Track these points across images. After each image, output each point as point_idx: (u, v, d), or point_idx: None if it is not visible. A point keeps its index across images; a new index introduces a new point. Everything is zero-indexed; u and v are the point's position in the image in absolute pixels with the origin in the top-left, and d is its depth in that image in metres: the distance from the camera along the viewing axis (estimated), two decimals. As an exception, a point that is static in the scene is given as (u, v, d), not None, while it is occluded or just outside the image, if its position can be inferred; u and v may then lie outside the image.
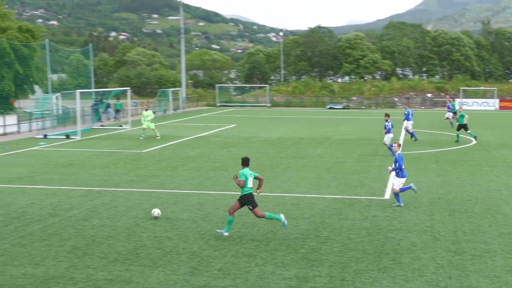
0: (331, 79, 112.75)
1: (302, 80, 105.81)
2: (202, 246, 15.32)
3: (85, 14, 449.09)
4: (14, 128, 47.03)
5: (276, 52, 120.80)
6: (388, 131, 32.71)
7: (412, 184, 20.53)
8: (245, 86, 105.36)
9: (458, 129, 39.19)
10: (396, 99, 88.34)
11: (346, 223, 17.68)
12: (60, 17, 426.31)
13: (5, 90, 49.39)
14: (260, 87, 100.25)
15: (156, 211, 18.30)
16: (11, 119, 47.57)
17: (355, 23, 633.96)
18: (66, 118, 54.21)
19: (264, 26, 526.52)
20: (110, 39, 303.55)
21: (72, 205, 20.15)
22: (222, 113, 71.92)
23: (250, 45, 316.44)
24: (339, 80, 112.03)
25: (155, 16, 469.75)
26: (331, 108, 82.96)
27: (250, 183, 16.15)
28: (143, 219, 18.10)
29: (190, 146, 37.51)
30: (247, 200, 16.18)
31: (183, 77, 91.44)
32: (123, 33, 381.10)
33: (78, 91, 46.31)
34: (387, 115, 33.57)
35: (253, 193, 16.28)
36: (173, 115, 68.11)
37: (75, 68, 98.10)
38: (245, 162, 16.46)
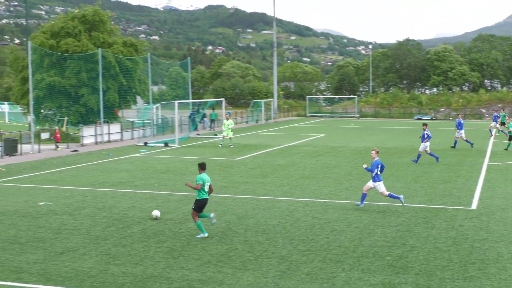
0: (419, 90, 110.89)
1: (390, 91, 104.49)
2: (291, 251, 15.29)
3: (184, 30, 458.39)
4: (118, 136, 48.38)
5: (365, 64, 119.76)
6: (426, 139, 32.89)
7: (401, 196, 20.80)
8: (334, 97, 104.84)
9: (510, 139, 39.54)
10: (484, 111, 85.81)
11: (432, 232, 17.27)
12: (161, 32, 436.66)
13: (110, 101, 50.83)
14: (349, 99, 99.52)
15: (155, 214, 18.87)
16: (115, 127, 48.97)
17: (443, 36, 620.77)
18: (165, 127, 55.37)
19: (353, 39, 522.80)
20: (207, 52, 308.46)
21: (169, 209, 20.52)
22: (312, 123, 71.75)
23: (340, 58, 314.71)
24: (427, 91, 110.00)
25: (249, 30, 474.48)
26: (418, 119, 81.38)
27: (206, 188, 16.64)
28: (235, 224, 18.23)
29: (280, 154, 37.57)
30: (202, 204, 16.59)
31: (275, 88, 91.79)
32: (219, 47, 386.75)
33: (176, 101, 47.22)
34: (425, 124, 33.62)
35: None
36: (264, 125, 68.46)
37: (174, 80, 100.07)
38: (203, 167, 16.92)
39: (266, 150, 39.94)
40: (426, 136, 32.75)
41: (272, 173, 29.20)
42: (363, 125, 67.81)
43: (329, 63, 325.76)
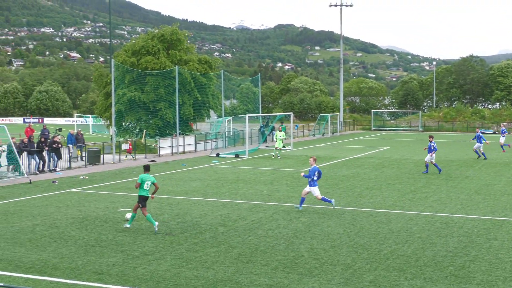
0: (482, 105, 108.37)
1: (454, 106, 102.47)
2: (355, 258, 15.10)
3: (255, 47, 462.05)
4: (192, 148, 48.96)
5: (429, 80, 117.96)
6: (432, 151, 33.28)
7: (333, 200, 22.07)
8: (398, 112, 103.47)
9: None
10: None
11: (494, 243, 16.75)
12: (234, 50, 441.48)
13: (185, 114, 51.45)
14: (413, 113, 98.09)
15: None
16: (190, 139, 49.59)
17: (506, 52, 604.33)
18: (236, 139, 55.75)
19: (418, 56, 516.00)
20: (277, 69, 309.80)
21: (239, 217, 20.60)
22: (376, 137, 70.92)
23: (404, 73, 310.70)
24: (490, 106, 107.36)
25: (317, 48, 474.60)
26: (482, 133, 79.32)
27: (146, 186, 18.12)
28: (302, 232, 18.14)
29: (345, 166, 37.25)
30: (140, 200, 18.17)
31: (341, 103, 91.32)
32: (288, 64, 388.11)
33: (247, 115, 47.48)
34: (431, 136, 34.42)
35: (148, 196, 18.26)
36: (331, 138, 68.08)
37: (245, 95, 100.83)
38: (147, 168, 18.53)
39: (332, 162, 39.67)
40: (432, 148, 33.10)
41: (337, 184, 28.98)
42: (427, 139, 66.48)
43: (394, 79, 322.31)
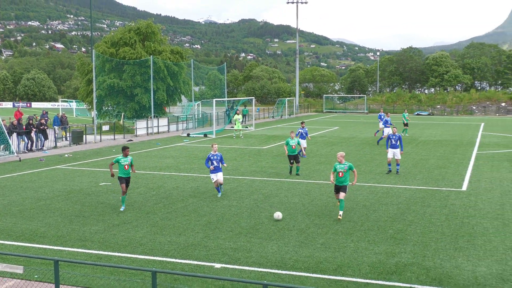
0: (419, 90, 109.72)
1: (395, 91, 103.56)
2: (308, 224, 15.25)
3: (221, 40, 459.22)
4: (165, 129, 48.60)
5: (374, 68, 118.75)
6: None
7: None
8: (347, 96, 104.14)
9: None
10: (474, 108, 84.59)
11: (428, 209, 17.09)
12: (202, 42, 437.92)
13: (159, 99, 51.00)
14: (359, 97, 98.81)
15: (277, 215, 17.13)
16: (163, 121, 49.20)
17: (440, 44, 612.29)
18: (204, 121, 55.46)
19: (364, 47, 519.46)
20: (240, 59, 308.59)
21: (207, 189, 20.58)
22: (327, 118, 71.35)
23: (352, 63, 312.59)
24: (426, 91, 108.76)
25: (276, 40, 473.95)
26: (418, 114, 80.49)
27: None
28: (262, 202, 18.23)
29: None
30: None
31: (297, 88, 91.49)
32: (250, 54, 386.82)
33: (214, 100, 47.28)
34: (303, 122, 34.25)
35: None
36: (287, 119, 68.25)
37: (212, 81, 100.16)
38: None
39: (289, 140, 39.78)
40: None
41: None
42: (371, 120, 67.17)
43: (343, 67, 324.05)
